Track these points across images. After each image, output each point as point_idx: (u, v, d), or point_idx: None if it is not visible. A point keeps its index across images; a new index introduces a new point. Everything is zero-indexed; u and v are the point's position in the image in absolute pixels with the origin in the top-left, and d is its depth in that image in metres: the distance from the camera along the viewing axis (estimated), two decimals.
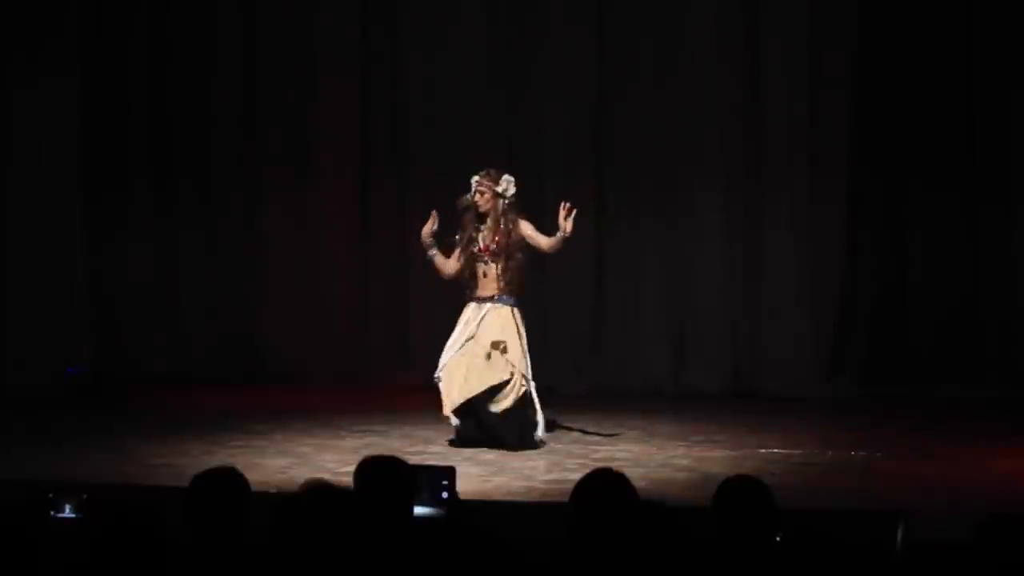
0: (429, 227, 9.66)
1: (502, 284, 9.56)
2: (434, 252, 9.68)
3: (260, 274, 13.05)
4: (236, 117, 13.08)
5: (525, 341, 9.57)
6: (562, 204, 9.42)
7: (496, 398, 9.48)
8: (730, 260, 12.35)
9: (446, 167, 11.81)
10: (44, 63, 12.54)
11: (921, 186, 12.03)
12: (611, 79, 12.50)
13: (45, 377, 12.26)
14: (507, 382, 9.44)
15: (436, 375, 9.61)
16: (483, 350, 9.47)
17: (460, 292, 9.80)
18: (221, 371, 12.88)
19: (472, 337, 9.54)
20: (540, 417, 9.60)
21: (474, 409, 9.51)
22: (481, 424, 9.53)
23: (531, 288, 10.05)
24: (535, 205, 9.87)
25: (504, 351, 9.45)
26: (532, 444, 9.54)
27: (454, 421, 9.61)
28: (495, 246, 9.54)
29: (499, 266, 9.54)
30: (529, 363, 9.57)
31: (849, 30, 12.07)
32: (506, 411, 9.46)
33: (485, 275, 9.58)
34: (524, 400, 9.50)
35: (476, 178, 9.59)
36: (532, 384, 9.56)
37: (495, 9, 12.70)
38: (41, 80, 12.54)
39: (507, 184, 9.55)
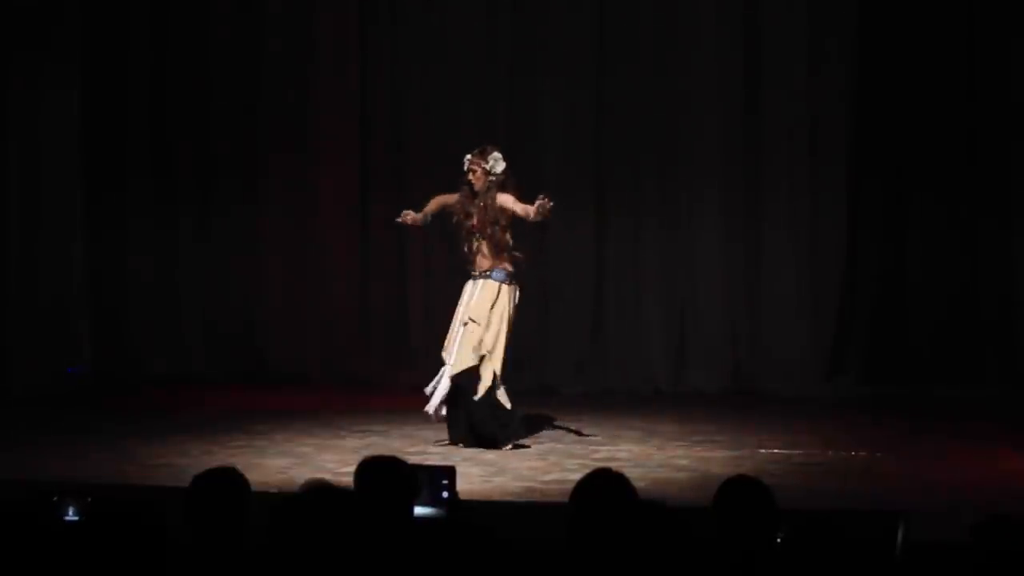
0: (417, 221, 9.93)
1: (491, 258, 9.64)
2: (427, 215, 9.91)
3: (260, 274, 13.04)
4: (236, 117, 13.08)
5: (507, 321, 9.59)
6: (542, 195, 9.42)
7: (472, 384, 9.54)
8: (730, 260, 12.36)
9: (446, 167, 11.80)
10: (44, 64, 12.54)
11: (921, 186, 12.04)
12: (611, 78, 12.50)
13: (45, 377, 12.26)
14: (476, 367, 9.53)
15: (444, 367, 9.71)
16: (462, 324, 9.58)
17: (459, 291, 9.82)
18: (221, 371, 12.88)
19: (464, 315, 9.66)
20: (504, 398, 9.59)
21: (458, 397, 9.58)
22: (468, 413, 9.57)
23: (531, 288, 10.03)
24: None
25: (475, 323, 9.51)
26: (507, 441, 9.55)
27: (433, 408, 9.64)
28: (478, 222, 9.63)
29: (486, 240, 9.63)
30: (503, 343, 9.56)
31: (850, 29, 12.07)
32: (481, 400, 9.51)
33: (478, 250, 9.67)
34: (494, 389, 9.55)
35: (469, 157, 9.75)
36: (499, 365, 9.56)
37: (495, 8, 12.71)
38: (42, 80, 12.54)
39: (493, 162, 9.67)
